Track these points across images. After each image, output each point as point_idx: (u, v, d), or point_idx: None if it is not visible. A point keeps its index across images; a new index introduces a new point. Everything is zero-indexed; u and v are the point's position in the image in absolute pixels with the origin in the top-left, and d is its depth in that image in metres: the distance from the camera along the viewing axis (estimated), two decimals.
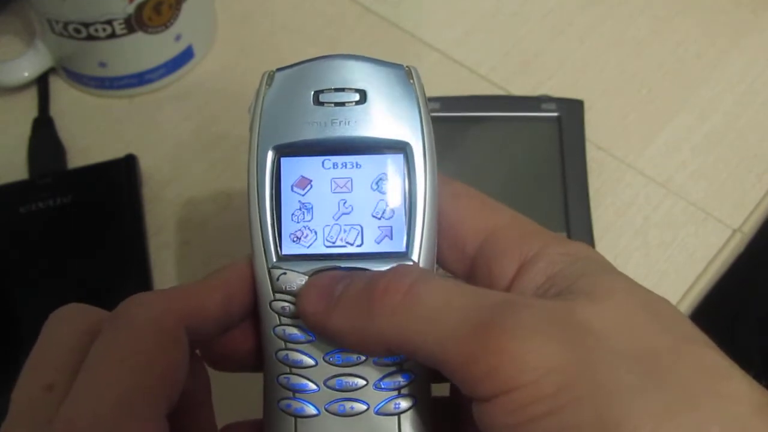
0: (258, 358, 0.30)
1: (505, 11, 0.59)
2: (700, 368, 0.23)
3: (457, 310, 0.25)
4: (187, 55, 0.55)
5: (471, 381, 0.24)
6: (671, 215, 0.49)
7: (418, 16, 0.59)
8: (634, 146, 0.52)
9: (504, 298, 0.26)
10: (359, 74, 0.29)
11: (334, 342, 0.28)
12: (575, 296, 0.25)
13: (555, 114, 0.51)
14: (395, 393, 0.29)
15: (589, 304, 0.25)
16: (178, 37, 0.54)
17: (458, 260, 0.30)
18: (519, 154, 0.51)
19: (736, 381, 0.23)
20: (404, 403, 0.29)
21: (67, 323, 0.28)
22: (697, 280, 0.47)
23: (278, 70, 0.30)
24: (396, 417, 0.29)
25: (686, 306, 0.47)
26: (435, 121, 0.30)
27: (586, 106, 0.52)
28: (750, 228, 0.49)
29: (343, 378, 0.29)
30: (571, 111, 0.52)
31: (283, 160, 0.29)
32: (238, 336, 0.30)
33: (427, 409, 0.29)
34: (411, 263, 0.29)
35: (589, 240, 0.47)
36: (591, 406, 0.22)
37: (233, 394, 0.34)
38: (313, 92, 0.29)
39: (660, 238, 0.49)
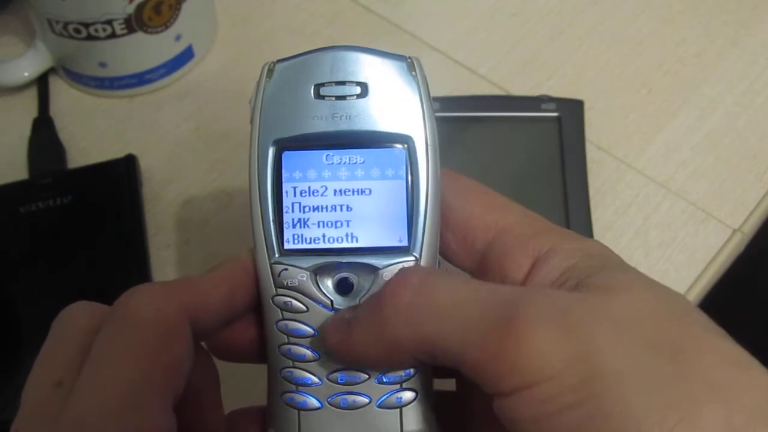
0: (262, 349, 0.30)
1: (505, 11, 0.59)
2: (720, 359, 0.23)
3: (473, 305, 0.25)
4: (187, 55, 0.55)
5: (494, 378, 0.24)
6: (671, 215, 0.49)
7: (418, 16, 0.59)
8: (634, 146, 0.52)
9: (521, 290, 0.26)
10: (360, 66, 0.29)
11: (365, 367, 0.28)
12: (593, 289, 0.25)
13: (555, 114, 0.51)
14: (397, 387, 0.29)
15: (608, 296, 0.25)
16: (178, 37, 0.54)
17: (467, 256, 0.30)
18: (519, 154, 0.51)
19: (756, 371, 0.23)
20: (406, 397, 0.29)
21: (75, 320, 0.28)
22: (697, 280, 0.47)
23: (279, 61, 0.30)
24: (398, 410, 0.29)
25: None
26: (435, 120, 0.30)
27: (586, 106, 0.52)
28: (750, 228, 0.49)
29: (345, 372, 0.29)
30: (571, 111, 0.52)
31: (284, 154, 0.29)
32: (241, 327, 0.30)
33: (429, 403, 0.29)
34: (413, 258, 0.28)
35: None
36: (617, 397, 0.22)
37: (240, 384, 0.34)
38: (313, 85, 0.29)
39: (660, 238, 0.49)
